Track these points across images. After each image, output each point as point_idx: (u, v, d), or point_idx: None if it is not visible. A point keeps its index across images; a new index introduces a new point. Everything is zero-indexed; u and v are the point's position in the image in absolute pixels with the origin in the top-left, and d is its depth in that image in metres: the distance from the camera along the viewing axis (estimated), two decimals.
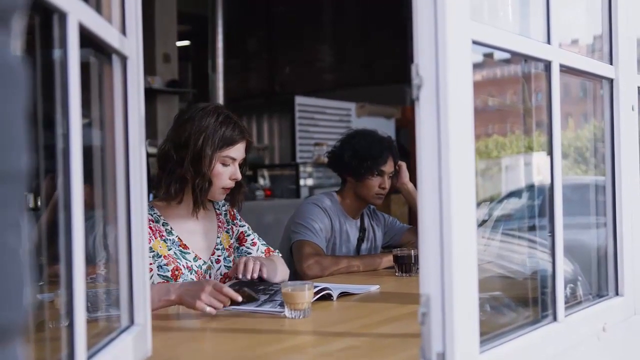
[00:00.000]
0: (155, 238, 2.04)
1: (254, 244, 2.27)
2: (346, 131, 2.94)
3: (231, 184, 2.11)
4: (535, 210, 1.77)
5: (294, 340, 1.60)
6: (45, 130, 0.94)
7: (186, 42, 8.79)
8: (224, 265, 2.18)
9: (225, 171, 2.09)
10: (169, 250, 2.06)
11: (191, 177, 2.05)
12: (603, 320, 1.58)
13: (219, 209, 2.27)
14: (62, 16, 0.91)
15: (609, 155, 1.71)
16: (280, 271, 2.20)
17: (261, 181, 6.99)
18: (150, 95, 6.55)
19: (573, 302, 1.57)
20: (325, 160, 3.07)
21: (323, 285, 2.02)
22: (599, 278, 1.75)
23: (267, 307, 1.82)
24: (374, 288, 2.19)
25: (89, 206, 0.99)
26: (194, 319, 1.73)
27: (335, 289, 2.03)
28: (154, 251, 2.02)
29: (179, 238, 2.10)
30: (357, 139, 2.79)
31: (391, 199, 5.65)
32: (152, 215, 2.07)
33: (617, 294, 1.70)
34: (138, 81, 1.28)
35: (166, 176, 2.07)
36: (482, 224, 1.68)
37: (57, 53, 0.92)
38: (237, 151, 2.10)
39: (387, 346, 1.50)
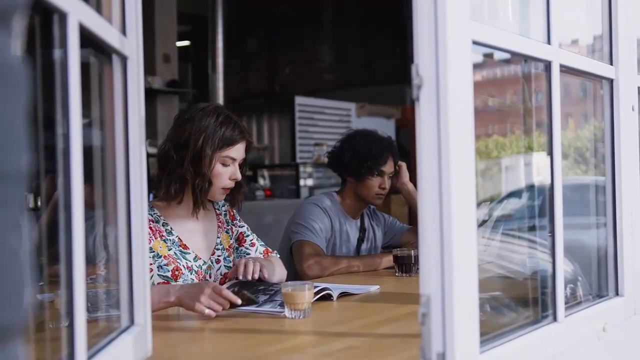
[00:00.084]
0: (156, 238, 2.04)
1: (252, 244, 2.28)
2: (346, 131, 2.94)
3: (231, 184, 2.11)
4: (535, 210, 1.77)
5: (294, 340, 1.60)
6: (46, 130, 0.94)
7: (186, 42, 8.79)
8: (224, 265, 2.18)
9: (225, 171, 2.09)
10: (169, 250, 2.06)
11: (191, 177, 2.05)
12: (603, 320, 1.58)
13: (218, 209, 2.27)
14: (63, 16, 0.91)
15: (609, 155, 1.71)
16: (278, 272, 2.20)
17: (261, 181, 6.99)
18: (150, 95, 6.55)
19: (573, 302, 1.57)
20: (325, 160, 3.07)
21: (323, 285, 2.02)
22: (599, 278, 1.75)
23: (267, 307, 1.82)
24: (374, 288, 2.19)
25: (89, 206, 0.99)
26: (194, 319, 1.73)
27: (335, 289, 2.03)
28: (154, 251, 2.02)
29: (179, 238, 2.10)
30: (357, 139, 2.79)
31: (391, 199, 5.65)
32: (152, 216, 2.07)
33: (617, 294, 1.70)
34: (138, 81, 1.28)
35: (166, 176, 2.07)
36: (482, 224, 1.68)
37: (57, 53, 0.92)
38: (237, 151, 2.10)
39: (387, 346, 1.50)
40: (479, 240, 1.29)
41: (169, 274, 2.02)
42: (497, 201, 1.93)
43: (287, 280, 2.31)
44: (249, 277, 1.99)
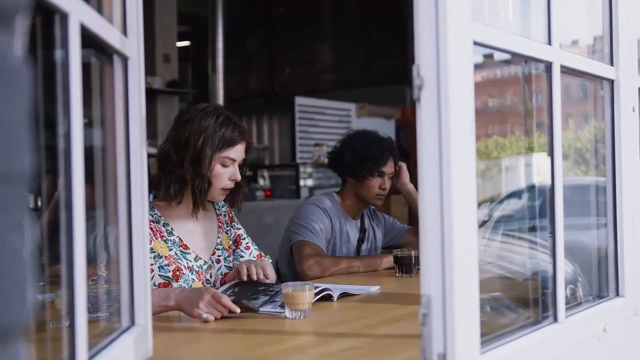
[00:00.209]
0: (156, 239, 2.04)
1: (247, 247, 2.28)
2: (347, 132, 2.94)
3: (231, 184, 2.11)
4: (536, 211, 1.77)
5: (295, 340, 1.60)
6: (46, 131, 0.94)
7: (186, 43, 8.79)
8: (225, 265, 2.18)
9: (225, 172, 2.09)
10: (170, 250, 2.06)
11: (191, 178, 2.05)
12: (604, 321, 1.58)
13: (218, 210, 2.27)
14: (64, 17, 0.91)
15: (609, 156, 1.71)
16: (270, 276, 2.20)
17: (261, 182, 6.99)
18: (151, 95, 6.55)
19: (573, 302, 1.57)
20: (326, 160, 3.07)
21: (323, 285, 2.02)
22: (600, 279, 1.75)
23: (267, 308, 1.82)
24: (375, 289, 2.19)
25: (89, 206, 0.99)
26: (195, 319, 1.73)
27: (335, 289, 2.03)
28: (155, 252, 2.02)
29: (179, 238, 2.10)
30: (357, 139, 2.79)
31: (391, 199, 5.65)
32: (152, 216, 2.07)
33: (617, 294, 1.70)
34: (139, 81, 1.28)
35: (166, 177, 2.07)
36: (482, 224, 1.68)
37: (58, 53, 0.92)
38: (237, 152, 2.10)
39: (388, 347, 1.50)
40: (479, 240, 1.29)
41: (169, 274, 2.02)
42: (497, 202, 1.94)
43: (285, 281, 2.32)
44: (254, 278, 1.99)
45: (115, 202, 1.26)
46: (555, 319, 1.41)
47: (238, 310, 1.73)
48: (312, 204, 2.76)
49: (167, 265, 2.03)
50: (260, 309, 1.81)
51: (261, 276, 2.00)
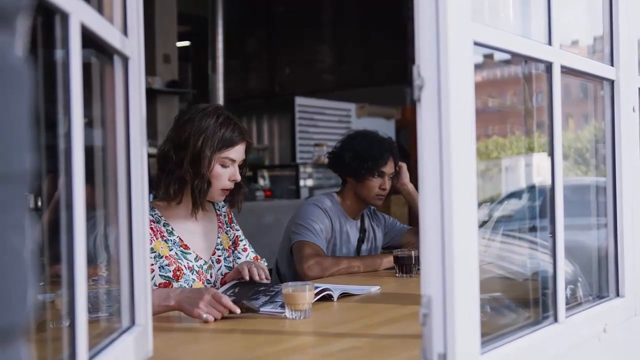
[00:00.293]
0: (157, 239, 2.04)
1: (244, 250, 2.28)
2: (347, 132, 2.94)
3: (230, 185, 2.11)
4: (536, 211, 1.77)
5: (295, 341, 1.60)
6: (47, 131, 0.94)
7: (186, 43, 8.79)
8: (225, 266, 2.18)
9: (225, 172, 2.08)
10: (170, 250, 2.06)
11: (190, 178, 2.04)
12: (604, 321, 1.58)
13: (219, 210, 2.27)
14: (64, 17, 0.91)
15: (609, 156, 1.71)
16: (268, 280, 2.21)
17: (261, 182, 6.99)
18: (151, 95, 6.55)
19: (573, 303, 1.57)
20: (326, 161, 3.07)
21: (324, 285, 2.02)
22: (600, 279, 1.75)
23: (268, 308, 1.82)
24: (375, 289, 2.19)
25: (90, 206, 0.99)
26: (195, 320, 1.73)
27: (335, 289, 2.03)
28: (155, 252, 2.02)
29: (179, 238, 2.10)
30: (357, 139, 2.79)
31: (391, 199, 5.65)
32: (153, 216, 2.07)
33: (617, 295, 1.70)
34: (139, 81, 1.28)
35: (165, 177, 2.06)
36: (482, 224, 1.69)
37: (59, 53, 0.92)
38: (237, 152, 2.10)
39: (388, 347, 1.50)
40: (480, 241, 1.29)
41: (170, 274, 2.02)
42: (497, 202, 1.94)
43: (286, 281, 2.32)
44: (256, 279, 1.99)
45: (115, 202, 1.26)
46: (556, 319, 1.41)
47: (238, 310, 1.73)
48: (312, 204, 2.76)
49: (168, 265, 2.03)
50: (261, 309, 1.81)
51: (262, 277, 2.00)
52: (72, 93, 0.92)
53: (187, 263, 2.07)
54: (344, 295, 2.05)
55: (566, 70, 1.48)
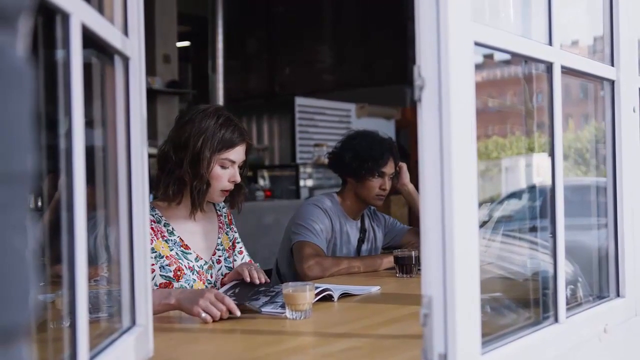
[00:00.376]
0: (157, 239, 2.04)
1: (240, 252, 2.29)
2: (347, 132, 2.94)
3: (230, 186, 2.11)
4: (536, 211, 1.77)
5: (295, 341, 1.60)
6: (47, 131, 0.94)
7: (186, 43, 8.79)
8: (225, 266, 2.18)
9: (224, 174, 2.08)
10: (171, 250, 2.06)
11: (189, 179, 2.04)
12: (604, 321, 1.58)
13: (219, 211, 2.27)
14: (65, 17, 0.91)
15: (610, 156, 1.71)
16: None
17: (261, 182, 6.99)
18: (151, 95, 6.55)
19: (573, 303, 1.57)
20: (326, 161, 3.07)
21: (324, 286, 2.02)
22: (600, 279, 1.75)
23: (268, 308, 1.82)
24: (375, 289, 2.19)
25: (90, 206, 1.00)
26: (196, 320, 1.73)
27: (336, 289, 2.03)
28: (156, 252, 2.02)
29: (180, 238, 2.10)
30: (357, 140, 2.79)
31: (391, 200, 5.66)
32: (153, 216, 2.07)
33: (618, 295, 1.70)
34: (140, 82, 1.28)
35: (165, 177, 2.06)
36: (482, 225, 1.69)
37: (59, 53, 0.92)
38: (237, 154, 2.09)
39: (389, 347, 1.50)
40: (480, 241, 1.29)
41: (171, 274, 2.02)
42: (497, 202, 1.94)
43: (286, 281, 2.32)
44: (256, 282, 2.00)
45: (116, 202, 1.26)
46: (556, 320, 1.41)
47: (238, 313, 1.72)
48: (312, 205, 2.76)
49: (168, 265, 2.03)
50: (262, 309, 1.81)
51: (262, 280, 2.01)
52: (72, 93, 0.92)
53: (188, 263, 2.07)
54: (345, 296, 2.05)
55: (566, 71, 1.48)
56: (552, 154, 1.43)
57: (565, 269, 1.44)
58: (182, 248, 2.09)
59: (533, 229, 1.78)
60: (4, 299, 0.51)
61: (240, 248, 2.30)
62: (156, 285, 2.00)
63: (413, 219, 3.76)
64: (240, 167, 2.13)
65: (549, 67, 1.42)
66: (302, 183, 6.92)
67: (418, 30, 1.08)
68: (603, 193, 1.75)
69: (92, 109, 1.22)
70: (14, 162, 0.52)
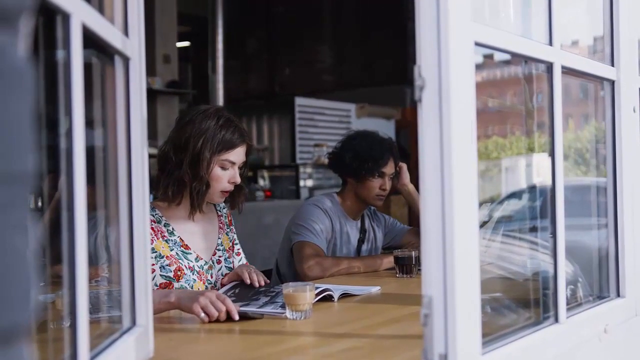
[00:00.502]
0: (157, 239, 2.04)
1: (238, 254, 2.29)
2: (347, 132, 2.94)
3: (230, 187, 2.11)
4: (536, 211, 1.77)
5: (296, 341, 1.60)
6: (48, 131, 0.94)
7: (186, 43, 8.79)
8: (225, 266, 2.18)
9: (225, 175, 2.08)
10: (171, 250, 2.06)
11: (189, 180, 2.04)
12: (604, 321, 1.58)
13: (219, 211, 2.27)
14: (66, 17, 0.91)
15: (610, 156, 1.71)
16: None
17: (261, 182, 6.99)
18: (151, 95, 6.55)
19: (573, 303, 1.57)
20: (326, 161, 3.07)
21: (324, 286, 2.02)
22: (600, 279, 1.75)
23: (268, 309, 1.82)
24: (375, 289, 2.19)
25: (91, 207, 1.00)
26: (196, 320, 1.73)
27: (336, 290, 2.03)
28: (156, 252, 2.02)
29: (180, 238, 2.10)
30: (358, 140, 2.79)
31: (391, 200, 5.66)
32: (153, 216, 2.07)
33: (618, 295, 1.70)
34: (140, 82, 1.28)
35: (164, 178, 2.06)
36: (482, 225, 1.69)
37: (60, 54, 0.92)
38: (237, 155, 2.09)
39: (389, 347, 1.50)
40: (480, 241, 1.29)
41: (171, 274, 2.02)
42: (497, 202, 1.94)
43: (286, 281, 2.32)
44: (256, 285, 2.00)
45: (116, 202, 1.26)
46: (556, 320, 1.41)
47: (237, 316, 1.71)
48: (312, 205, 2.76)
49: (169, 265, 2.03)
50: (261, 310, 1.81)
51: (262, 283, 2.02)
52: (73, 93, 0.92)
53: (188, 263, 2.07)
54: (345, 296, 2.05)
55: (567, 71, 1.48)
56: (552, 154, 1.43)
57: (565, 269, 1.44)
58: (182, 248, 2.09)
59: (533, 229, 1.78)
60: (4, 299, 0.51)
61: (238, 249, 2.30)
62: (156, 285, 2.00)
63: (413, 219, 3.76)
64: (240, 168, 2.13)
65: (549, 67, 1.43)
66: (302, 183, 6.92)
67: (418, 30, 1.08)
68: (603, 193, 1.75)
69: (93, 109, 1.22)
70: (14, 162, 0.52)
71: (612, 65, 1.71)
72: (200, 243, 2.15)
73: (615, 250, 1.71)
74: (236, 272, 2.08)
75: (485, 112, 1.56)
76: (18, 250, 0.51)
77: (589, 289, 1.73)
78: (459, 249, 1.06)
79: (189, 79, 7.90)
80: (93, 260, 1.35)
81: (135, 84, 1.27)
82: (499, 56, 1.45)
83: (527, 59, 1.49)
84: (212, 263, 2.15)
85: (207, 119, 2.06)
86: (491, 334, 1.22)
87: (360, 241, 2.86)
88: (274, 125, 7.86)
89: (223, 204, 2.26)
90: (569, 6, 1.78)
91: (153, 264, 1.99)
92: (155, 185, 2.10)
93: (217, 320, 1.70)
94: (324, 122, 7.54)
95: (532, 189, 1.85)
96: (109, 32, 1.13)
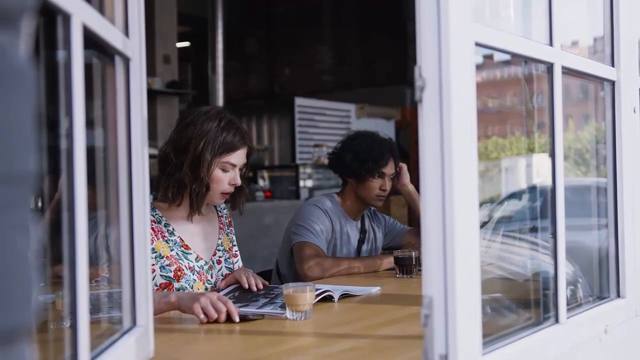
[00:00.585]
0: (158, 239, 2.04)
1: (235, 255, 2.29)
2: (347, 132, 2.94)
3: (230, 189, 2.11)
4: (536, 212, 1.77)
5: (296, 341, 1.60)
6: (48, 131, 0.94)
7: (186, 44, 8.79)
8: (225, 267, 2.18)
9: (225, 177, 2.08)
10: (171, 251, 2.06)
11: (189, 182, 2.04)
12: (605, 322, 1.58)
13: (220, 211, 2.27)
14: (66, 17, 0.91)
15: (610, 157, 1.71)
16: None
17: (261, 182, 7.00)
18: (151, 96, 6.55)
19: (573, 304, 1.57)
20: (325, 161, 3.07)
21: (324, 287, 2.02)
22: (601, 280, 1.75)
23: (268, 309, 1.82)
24: (375, 289, 2.19)
25: (91, 207, 1.00)
26: (196, 320, 1.73)
27: (336, 290, 2.03)
28: (156, 252, 2.02)
29: (180, 239, 2.10)
30: (358, 140, 2.79)
31: (391, 200, 5.66)
32: (154, 216, 2.07)
33: (618, 295, 1.70)
34: (140, 82, 1.28)
35: (165, 179, 2.06)
36: (482, 225, 1.69)
37: (61, 54, 0.92)
38: (238, 157, 2.09)
39: (389, 348, 1.50)
40: (480, 241, 1.29)
41: (171, 275, 2.02)
42: (497, 202, 1.94)
43: (286, 282, 2.32)
44: (254, 289, 2.00)
45: (116, 202, 1.26)
46: (557, 320, 1.41)
47: (237, 319, 1.71)
48: (312, 205, 2.76)
49: (169, 265, 2.03)
50: (261, 310, 1.81)
51: (260, 286, 2.02)
52: (74, 94, 0.92)
53: (188, 263, 2.07)
54: (345, 296, 2.05)
55: (567, 71, 1.48)
56: (552, 155, 1.43)
57: (565, 269, 1.44)
58: (182, 248, 2.09)
59: (533, 230, 1.78)
60: (5, 299, 0.51)
61: (236, 251, 2.30)
62: (156, 286, 2.00)
63: (413, 219, 3.76)
64: (241, 170, 2.13)
65: (550, 67, 1.42)
66: (302, 183, 6.93)
67: (419, 31, 1.08)
68: (603, 193, 1.75)
69: (93, 110, 1.22)
70: (16, 163, 0.52)
71: (612, 65, 1.71)
72: (200, 243, 2.15)
73: (615, 251, 1.71)
74: (234, 276, 2.09)
75: (485, 113, 1.56)
76: (19, 251, 0.51)
77: (589, 289, 1.73)
78: (459, 250, 1.06)
79: (189, 79, 7.91)
80: (93, 261, 1.35)
81: (135, 85, 1.27)
82: (499, 56, 1.45)
83: (528, 60, 1.49)
84: (212, 263, 2.15)
85: (208, 120, 2.05)
86: (491, 335, 1.22)
87: (361, 241, 2.86)
88: (274, 125, 7.87)
89: (223, 204, 2.26)
90: (569, 6, 1.78)
91: (153, 264, 2.00)
92: (155, 186, 2.10)
93: (217, 321, 1.70)
94: (324, 122, 7.55)
95: (532, 189, 1.85)
96: (109, 33, 1.13)
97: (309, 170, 7.06)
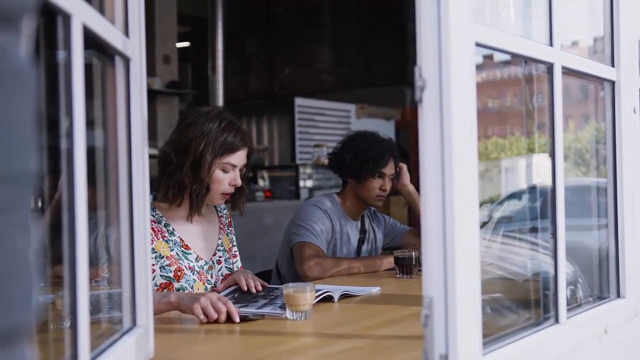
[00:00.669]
0: (158, 239, 2.04)
1: (235, 256, 2.29)
2: (347, 132, 2.94)
3: (231, 189, 2.11)
4: (536, 212, 1.77)
5: (296, 342, 1.60)
6: (48, 131, 0.94)
7: (186, 44, 8.79)
8: (225, 267, 2.18)
9: (225, 177, 2.08)
10: (171, 251, 2.06)
11: (189, 182, 2.04)
12: (605, 322, 1.58)
13: (220, 212, 2.27)
14: (66, 18, 0.91)
15: (610, 157, 1.71)
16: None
17: (261, 182, 6.99)
18: (150, 96, 6.54)
19: (573, 304, 1.57)
20: (325, 161, 3.07)
21: (324, 287, 2.02)
22: (601, 280, 1.75)
23: (268, 309, 1.82)
24: (375, 290, 2.19)
25: (91, 207, 1.00)
26: (196, 321, 1.73)
27: (336, 290, 2.03)
28: (156, 252, 2.02)
29: (180, 239, 2.10)
30: (358, 140, 2.79)
31: (391, 200, 5.66)
32: (154, 216, 2.07)
33: (618, 296, 1.70)
34: (140, 82, 1.28)
35: (165, 179, 2.06)
36: (482, 225, 1.68)
37: (61, 54, 0.92)
38: (238, 158, 2.09)
39: (389, 348, 1.50)
40: (480, 242, 1.29)
41: (171, 275, 2.02)
42: (497, 203, 1.94)
43: (286, 282, 2.32)
44: (253, 291, 2.01)
45: (116, 202, 1.26)
46: (557, 320, 1.41)
47: (237, 319, 1.71)
48: (312, 205, 2.76)
49: (169, 265, 2.03)
50: (261, 311, 1.81)
51: (259, 288, 2.02)
52: (74, 94, 0.92)
53: (188, 263, 2.07)
54: (345, 296, 2.05)
55: (567, 71, 1.48)
56: (552, 155, 1.43)
57: (565, 269, 1.44)
58: (182, 248, 2.09)
59: (533, 230, 1.78)
60: (6, 299, 0.51)
61: (235, 251, 2.30)
62: (156, 286, 2.00)
63: (413, 219, 3.76)
64: (241, 170, 2.13)
65: (550, 67, 1.42)
66: (302, 184, 6.93)
67: (419, 31, 1.08)
68: (603, 194, 1.75)
69: (93, 110, 1.22)
70: (16, 163, 0.52)
71: (613, 65, 1.71)
72: (200, 243, 2.15)
73: (615, 251, 1.71)
74: (233, 277, 2.09)
75: (485, 113, 1.56)
76: (19, 251, 0.51)
77: (589, 289, 1.73)
78: (459, 250, 1.06)
79: (189, 79, 7.91)
80: (93, 261, 1.35)
81: (135, 85, 1.27)
82: (499, 56, 1.45)
83: (528, 60, 1.49)
84: (212, 263, 2.15)
85: (209, 121, 2.05)
86: (492, 335, 1.22)
87: (360, 242, 2.86)
88: (274, 125, 7.87)
89: (223, 205, 2.26)
90: (569, 6, 1.78)
91: (153, 264, 2.00)
92: (155, 186, 2.10)
93: (217, 322, 1.70)
94: (324, 122, 7.55)
95: (532, 189, 1.85)
96: (109, 33, 1.13)
97: (309, 170, 7.06)
